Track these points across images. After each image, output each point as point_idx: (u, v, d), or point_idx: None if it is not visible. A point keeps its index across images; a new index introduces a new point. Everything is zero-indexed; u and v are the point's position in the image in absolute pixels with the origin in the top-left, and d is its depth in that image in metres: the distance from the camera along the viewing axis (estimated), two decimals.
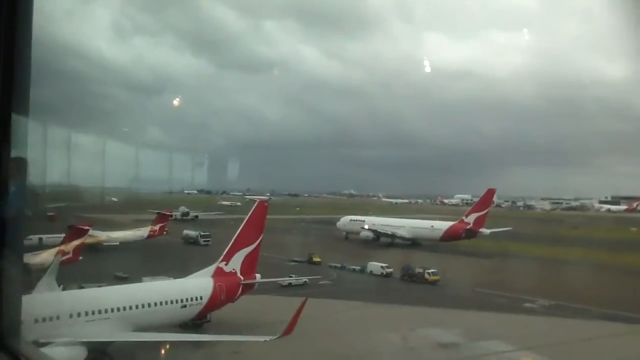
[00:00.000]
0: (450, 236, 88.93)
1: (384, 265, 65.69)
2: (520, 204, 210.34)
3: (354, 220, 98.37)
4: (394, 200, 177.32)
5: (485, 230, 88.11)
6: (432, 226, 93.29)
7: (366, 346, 38.84)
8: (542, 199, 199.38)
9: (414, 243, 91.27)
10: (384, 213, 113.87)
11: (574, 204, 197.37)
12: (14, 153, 5.66)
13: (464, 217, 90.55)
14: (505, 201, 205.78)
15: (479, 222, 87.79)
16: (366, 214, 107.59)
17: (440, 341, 41.25)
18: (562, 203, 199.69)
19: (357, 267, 68.08)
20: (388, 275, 64.52)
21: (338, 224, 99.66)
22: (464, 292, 56.84)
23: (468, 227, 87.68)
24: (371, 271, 65.81)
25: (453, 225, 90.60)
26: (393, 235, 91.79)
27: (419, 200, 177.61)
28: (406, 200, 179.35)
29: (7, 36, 5.44)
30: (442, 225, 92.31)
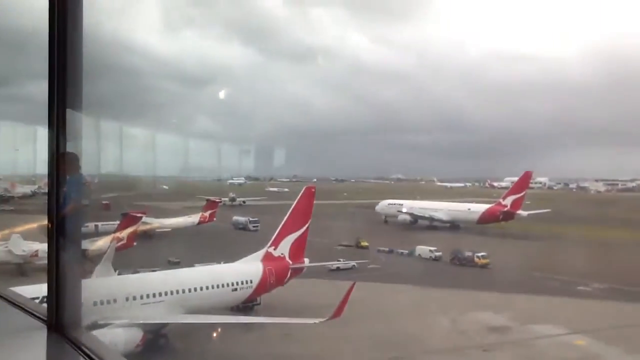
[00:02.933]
0: (487, 218, 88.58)
1: (432, 249, 65.26)
2: (572, 185, 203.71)
3: (392, 204, 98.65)
4: (448, 184, 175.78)
5: (523, 212, 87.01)
6: (469, 209, 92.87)
7: (416, 330, 38.84)
8: (596, 180, 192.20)
9: (452, 226, 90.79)
10: (434, 197, 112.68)
11: (630, 185, 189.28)
12: (68, 147, 5.97)
13: (501, 200, 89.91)
14: (557, 183, 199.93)
15: (516, 204, 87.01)
16: (414, 198, 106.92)
17: (492, 324, 40.89)
18: (617, 184, 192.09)
19: (406, 251, 67.78)
20: (437, 259, 64.07)
21: (377, 207, 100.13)
22: (514, 275, 55.96)
23: (505, 209, 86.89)
24: (419, 255, 65.48)
25: (490, 208, 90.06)
26: (431, 218, 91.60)
27: (467, 184, 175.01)
28: (461, 184, 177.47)
29: (59, 34, 5.71)
30: (479, 208, 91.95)
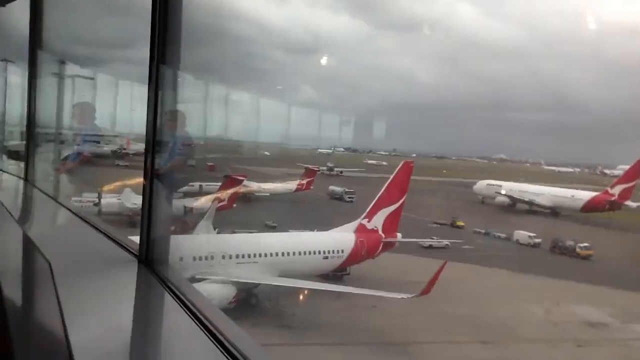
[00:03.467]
0: (592, 207, 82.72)
1: (531, 234, 62.75)
2: None
3: (490, 185, 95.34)
4: (557, 168, 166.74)
5: (632, 203, 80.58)
6: (572, 195, 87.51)
7: (507, 316, 37.86)
8: None
9: (552, 212, 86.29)
10: (539, 180, 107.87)
11: None
12: (176, 107, 6.36)
13: (608, 188, 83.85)
14: None
15: (625, 193, 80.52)
16: (517, 180, 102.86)
17: (589, 319, 38.99)
18: None
19: (503, 235, 65.67)
20: (536, 245, 61.61)
21: (474, 187, 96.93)
22: (619, 269, 52.65)
23: (612, 198, 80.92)
24: (517, 240, 63.19)
25: (596, 196, 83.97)
26: (530, 202, 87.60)
27: (575, 169, 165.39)
28: (570, 169, 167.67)
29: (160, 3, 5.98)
30: (584, 195, 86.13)
